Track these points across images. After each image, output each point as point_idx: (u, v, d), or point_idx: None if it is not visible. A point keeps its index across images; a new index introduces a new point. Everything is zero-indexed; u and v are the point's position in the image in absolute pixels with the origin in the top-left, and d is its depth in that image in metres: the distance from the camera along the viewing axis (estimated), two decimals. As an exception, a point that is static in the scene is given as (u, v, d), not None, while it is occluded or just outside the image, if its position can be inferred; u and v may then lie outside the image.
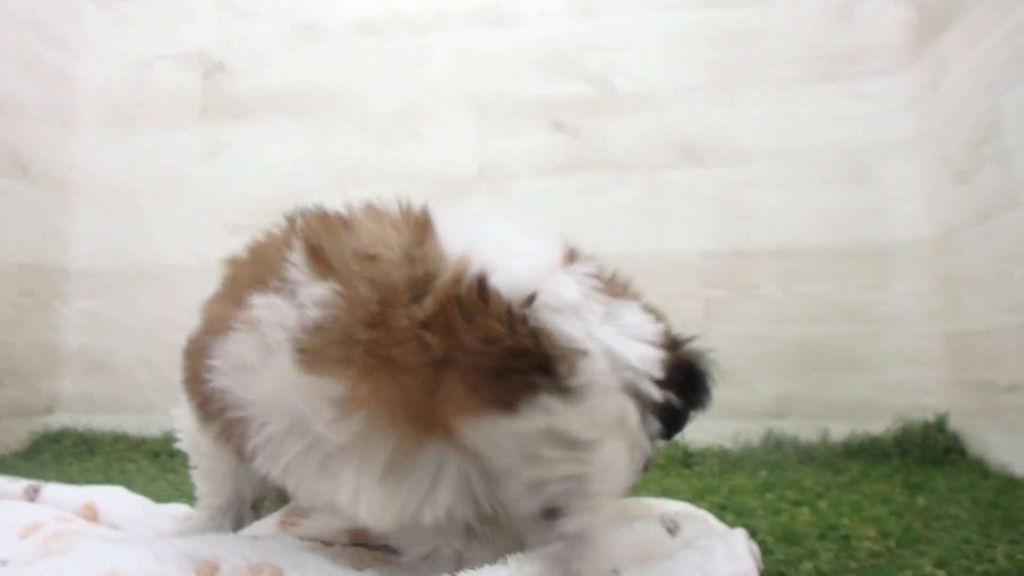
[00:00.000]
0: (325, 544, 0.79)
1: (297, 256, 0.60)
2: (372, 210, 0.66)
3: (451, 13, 1.78)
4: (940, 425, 1.44)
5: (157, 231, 1.86)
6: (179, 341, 2.09)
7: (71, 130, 1.93)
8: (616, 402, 0.58)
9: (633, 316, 0.62)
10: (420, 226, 0.62)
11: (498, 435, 0.54)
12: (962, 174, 1.40)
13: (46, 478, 1.04)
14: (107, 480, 1.30)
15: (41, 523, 0.86)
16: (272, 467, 0.64)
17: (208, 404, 0.68)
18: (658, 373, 0.60)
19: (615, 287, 0.65)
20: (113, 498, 1.00)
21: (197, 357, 0.71)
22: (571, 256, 0.64)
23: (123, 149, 1.91)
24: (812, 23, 1.62)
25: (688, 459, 1.48)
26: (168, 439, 1.76)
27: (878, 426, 1.47)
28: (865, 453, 1.43)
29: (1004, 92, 1.25)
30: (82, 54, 1.96)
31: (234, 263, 0.74)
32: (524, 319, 0.55)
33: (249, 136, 1.84)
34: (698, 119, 1.64)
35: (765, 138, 1.61)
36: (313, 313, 0.57)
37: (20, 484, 1.02)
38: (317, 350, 0.57)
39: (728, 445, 1.54)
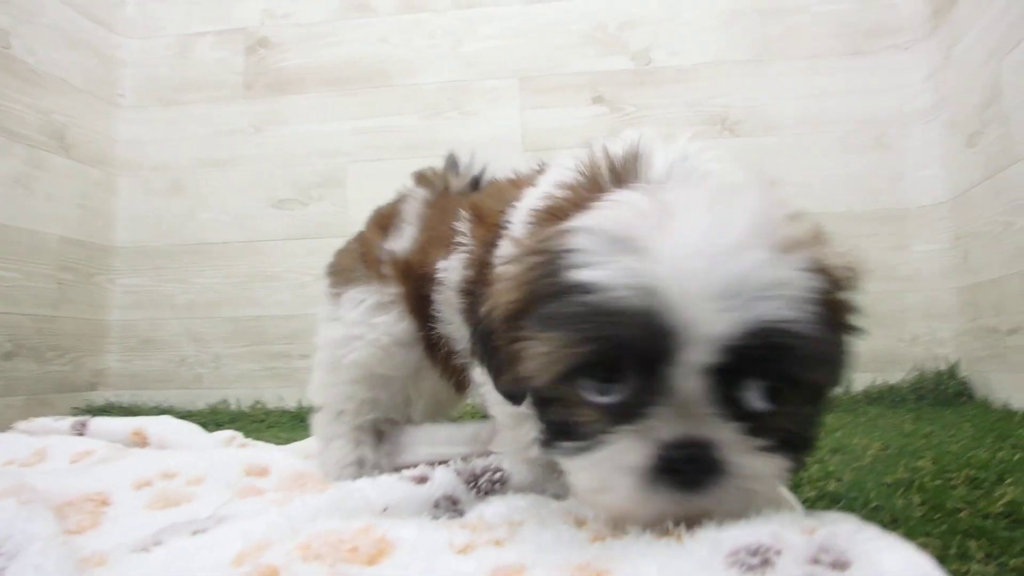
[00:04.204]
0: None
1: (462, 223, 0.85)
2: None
3: (496, -10, 2.12)
4: (952, 372, 1.83)
5: (201, 207, 2.17)
6: (227, 316, 2.47)
7: (113, 106, 2.23)
8: None
9: None
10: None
11: None
12: (971, 137, 1.78)
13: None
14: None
15: (93, 450, 1.08)
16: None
17: (438, 347, 0.96)
18: None
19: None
20: (161, 422, 1.23)
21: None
22: None
23: (166, 125, 2.21)
24: (839, 0, 2.00)
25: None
26: (215, 412, 2.07)
27: (896, 376, 1.85)
28: (884, 400, 1.78)
29: (1004, 57, 1.62)
30: (124, 30, 2.25)
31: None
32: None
33: (294, 111, 2.16)
34: (732, 91, 2.01)
35: (794, 109, 1.99)
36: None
37: (66, 421, 1.25)
38: None
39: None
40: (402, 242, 1.00)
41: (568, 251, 0.52)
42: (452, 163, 1.11)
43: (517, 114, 2.07)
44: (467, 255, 0.83)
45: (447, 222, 0.90)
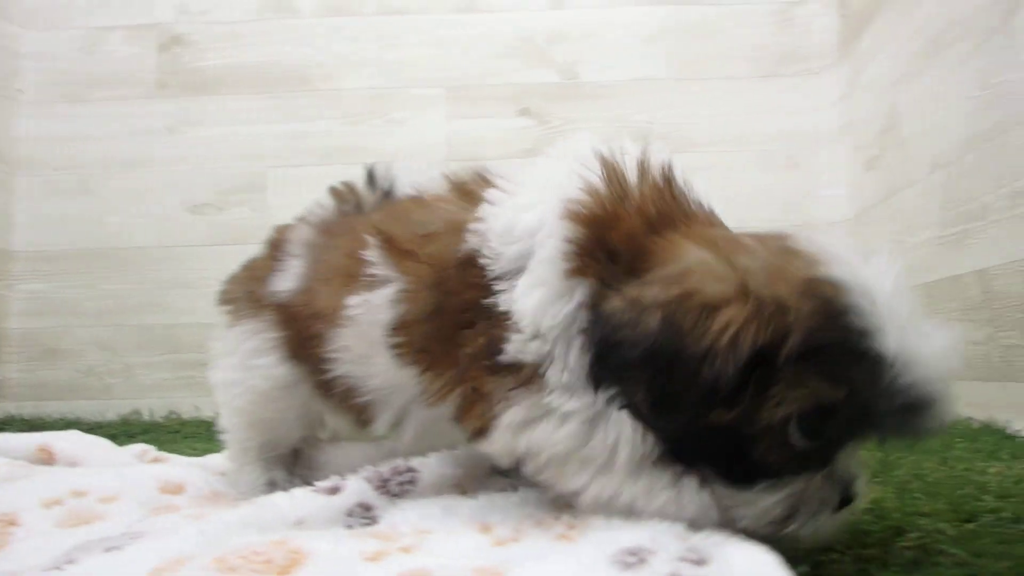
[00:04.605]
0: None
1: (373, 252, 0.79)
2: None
3: (426, -3, 2.17)
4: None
5: (111, 210, 2.12)
6: (138, 323, 2.42)
7: (12, 100, 2.14)
8: None
9: None
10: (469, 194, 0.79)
11: None
12: (872, 160, 1.96)
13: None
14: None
15: (-6, 469, 1.06)
16: (403, 436, 0.89)
17: (332, 386, 0.89)
18: None
19: None
20: (69, 438, 1.20)
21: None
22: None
23: (72, 122, 2.14)
24: (759, 25, 2.16)
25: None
26: (126, 423, 2.03)
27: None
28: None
29: (902, 88, 1.79)
30: (24, 20, 2.16)
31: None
32: None
33: (211, 113, 2.14)
34: (655, 108, 2.13)
35: (713, 128, 2.12)
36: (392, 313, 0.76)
37: None
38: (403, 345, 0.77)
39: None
40: (286, 280, 0.95)
41: (852, 310, 0.55)
42: (371, 177, 1.06)
43: (443, 124, 2.12)
44: (400, 291, 0.78)
45: (345, 251, 0.87)
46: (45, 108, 2.16)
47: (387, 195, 1.04)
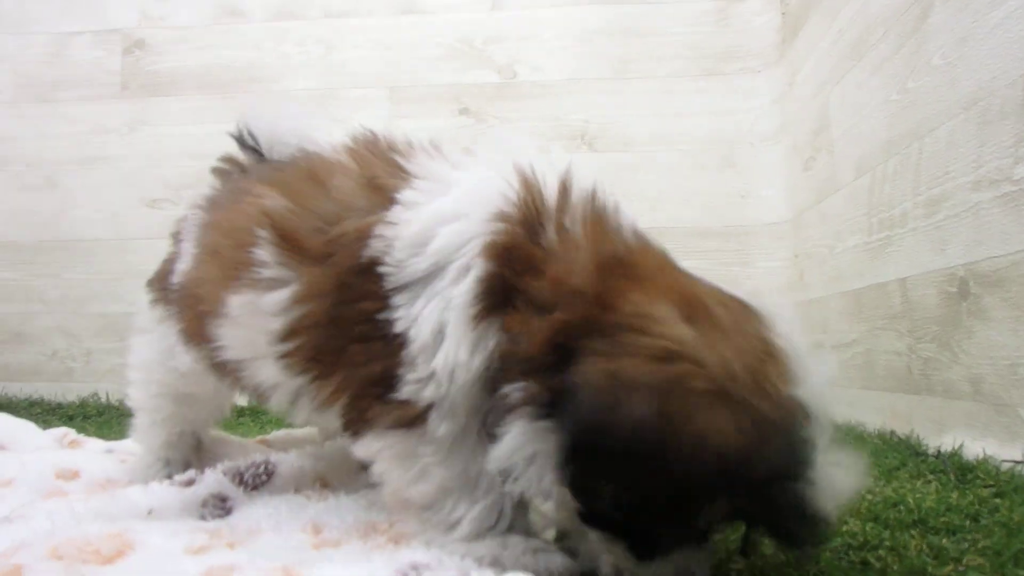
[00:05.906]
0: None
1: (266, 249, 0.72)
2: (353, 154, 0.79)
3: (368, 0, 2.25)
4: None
5: (75, 203, 2.28)
6: (98, 311, 2.56)
7: (-11, 102, 2.31)
8: None
9: None
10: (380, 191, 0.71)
11: None
12: (807, 162, 1.95)
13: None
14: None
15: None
16: (298, 415, 0.84)
17: (224, 368, 0.89)
18: None
19: None
20: None
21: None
22: None
23: (40, 121, 2.31)
24: (696, 23, 2.17)
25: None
26: (85, 404, 2.19)
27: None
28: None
29: (832, 89, 1.78)
30: (-2, 26, 2.34)
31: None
32: None
33: (169, 113, 2.27)
34: (591, 108, 2.16)
35: (649, 127, 2.14)
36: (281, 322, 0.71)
37: None
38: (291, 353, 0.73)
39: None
40: (179, 267, 0.96)
41: (810, 444, 0.54)
42: (240, 141, 1.07)
43: (386, 123, 2.20)
44: (295, 295, 0.72)
45: (225, 230, 0.84)
46: (16, 108, 2.33)
47: (258, 154, 1.04)
